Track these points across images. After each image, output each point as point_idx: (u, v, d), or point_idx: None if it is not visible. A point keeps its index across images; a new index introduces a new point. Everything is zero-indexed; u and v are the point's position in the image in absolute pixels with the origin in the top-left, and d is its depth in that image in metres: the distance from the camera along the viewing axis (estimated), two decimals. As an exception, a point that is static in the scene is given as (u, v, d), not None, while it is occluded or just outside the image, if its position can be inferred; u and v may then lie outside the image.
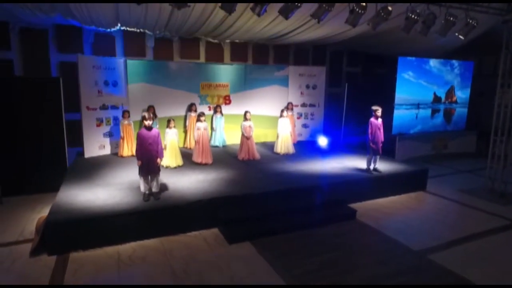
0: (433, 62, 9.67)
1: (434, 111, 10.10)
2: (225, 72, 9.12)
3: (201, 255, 4.37)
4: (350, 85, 10.04)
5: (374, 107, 6.62)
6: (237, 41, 9.25)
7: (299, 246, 4.65)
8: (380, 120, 6.65)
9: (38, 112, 6.48)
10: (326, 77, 11.06)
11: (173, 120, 6.84)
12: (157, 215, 4.80)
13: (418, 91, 9.62)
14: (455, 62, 10.13)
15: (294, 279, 3.87)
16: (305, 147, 9.11)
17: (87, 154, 7.50)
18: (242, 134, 7.59)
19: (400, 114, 9.39)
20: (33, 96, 6.46)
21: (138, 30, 8.15)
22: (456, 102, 10.48)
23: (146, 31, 8.24)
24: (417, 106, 9.70)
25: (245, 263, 4.23)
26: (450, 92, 10.27)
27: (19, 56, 7.51)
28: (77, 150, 7.72)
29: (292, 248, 4.57)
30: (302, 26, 7.58)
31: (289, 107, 9.38)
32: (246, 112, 7.63)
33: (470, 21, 5.99)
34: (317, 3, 5.09)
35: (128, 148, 7.70)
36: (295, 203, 5.58)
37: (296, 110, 9.93)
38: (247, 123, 7.56)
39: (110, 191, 5.34)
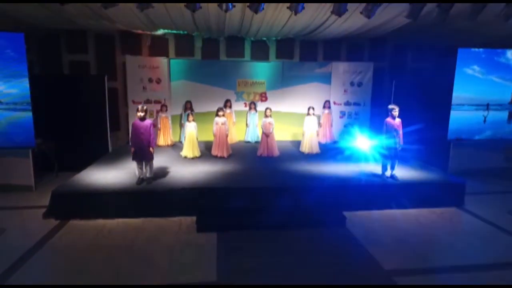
0: (511, 54, 7.84)
1: (514, 114, 8.17)
2: (262, 69, 9.23)
3: (165, 238, 4.71)
4: (416, 82, 8.88)
5: (390, 106, 5.89)
6: (274, 38, 9.23)
7: (260, 244, 4.56)
8: (398, 120, 5.86)
9: (89, 104, 7.82)
10: (385, 73, 10.13)
11: (192, 114, 7.35)
12: (143, 197, 5.34)
13: (488, 89, 7.92)
14: (549, 53, 7.97)
15: (225, 273, 3.87)
16: (337, 148, 8.51)
17: (132, 142, 8.65)
18: (262, 131, 7.64)
19: (460, 116, 7.91)
20: (87, 90, 7.83)
21: (184, 32, 8.94)
22: (549, 103, 8.25)
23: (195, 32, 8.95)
24: (486, 107, 8.02)
25: (196, 251, 4.39)
26: (540, 91, 8.14)
27: (94, 58, 9.12)
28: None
29: (250, 245, 4.52)
30: (329, 20, 7.15)
31: (325, 105, 8.97)
32: (266, 109, 7.64)
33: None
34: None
35: (164, 138, 8.57)
36: (280, 202, 5.42)
37: (339, 108, 9.38)
38: (267, 120, 7.57)
39: (118, 173, 6.14)
